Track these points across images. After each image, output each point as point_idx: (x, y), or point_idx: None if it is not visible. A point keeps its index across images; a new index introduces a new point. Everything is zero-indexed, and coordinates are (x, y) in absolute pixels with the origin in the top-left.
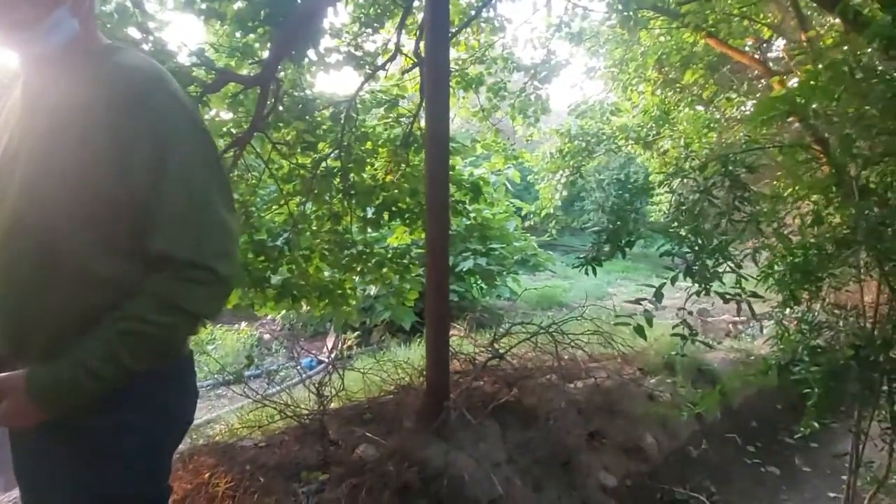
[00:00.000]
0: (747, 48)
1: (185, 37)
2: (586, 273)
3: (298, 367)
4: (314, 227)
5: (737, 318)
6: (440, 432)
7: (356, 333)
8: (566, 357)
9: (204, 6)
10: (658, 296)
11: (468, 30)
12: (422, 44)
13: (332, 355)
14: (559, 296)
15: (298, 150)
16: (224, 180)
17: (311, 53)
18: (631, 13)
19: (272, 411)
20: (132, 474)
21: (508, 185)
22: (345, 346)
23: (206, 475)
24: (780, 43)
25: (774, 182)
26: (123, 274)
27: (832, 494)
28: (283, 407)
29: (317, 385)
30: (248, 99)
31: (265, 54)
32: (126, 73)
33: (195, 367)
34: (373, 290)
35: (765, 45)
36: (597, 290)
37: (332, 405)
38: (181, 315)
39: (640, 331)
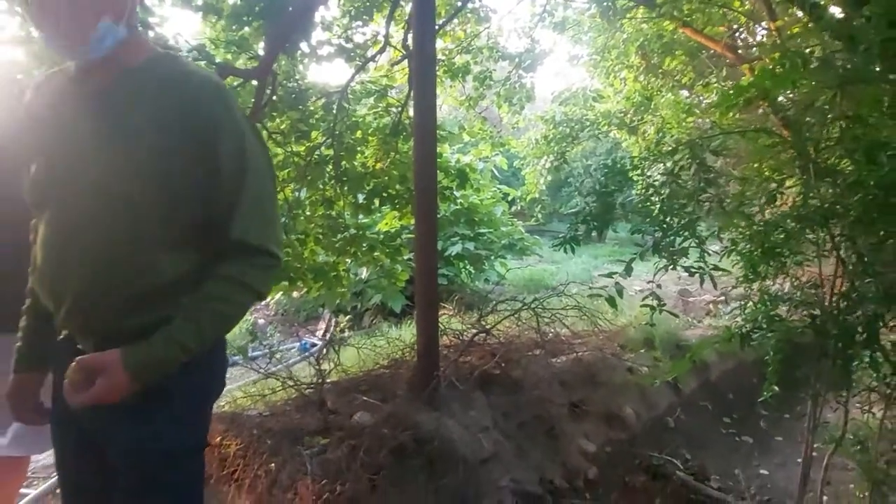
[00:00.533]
0: (723, 36)
1: (182, 31)
2: (565, 251)
3: (299, 346)
4: (308, 213)
5: (716, 298)
6: (431, 401)
7: (348, 317)
8: (550, 333)
9: (201, 2)
10: (628, 269)
11: (454, 20)
12: (410, 36)
13: (328, 336)
14: (546, 279)
15: (293, 138)
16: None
17: (303, 46)
18: (610, 3)
19: (274, 384)
20: (187, 430)
21: (495, 172)
22: (337, 329)
23: (218, 438)
24: (757, 30)
25: (742, 166)
26: (179, 264)
27: (800, 460)
28: (285, 379)
29: (316, 358)
30: (244, 91)
31: (259, 47)
32: (193, 78)
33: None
34: (364, 274)
35: (739, 32)
36: (583, 273)
37: (330, 378)
38: (252, 294)
39: (611, 301)
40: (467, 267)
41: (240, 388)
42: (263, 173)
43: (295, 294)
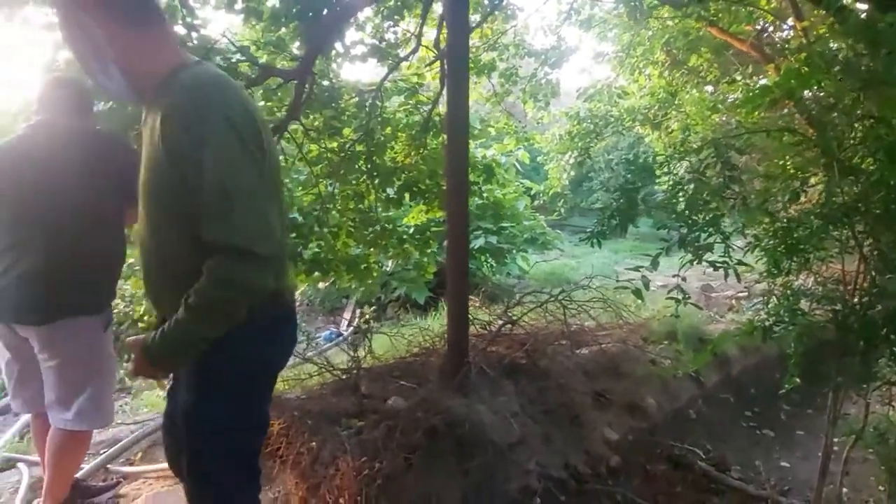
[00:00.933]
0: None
1: (224, 32)
2: (591, 245)
3: (325, 335)
4: (340, 206)
5: (738, 294)
6: (461, 387)
7: (373, 308)
8: (575, 325)
9: (243, 5)
10: (654, 263)
11: (480, 17)
12: (441, 35)
13: (352, 328)
14: (567, 273)
15: (326, 135)
16: (263, 172)
17: (338, 46)
18: (637, 2)
19: (310, 369)
20: (223, 406)
21: (518, 166)
22: (362, 319)
23: None
24: (784, 29)
25: (767, 163)
26: (195, 257)
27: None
28: (322, 365)
29: (352, 345)
30: (283, 90)
31: (294, 47)
32: (177, 93)
33: (287, 326)
34: (388, 266)
35: (768, 30)
36: (605, 267)
37: (364, 365)
38: (234, 288)
39: (637, 293)
40: (489, 260)
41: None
42: (226, 173)
43: (321, 285)
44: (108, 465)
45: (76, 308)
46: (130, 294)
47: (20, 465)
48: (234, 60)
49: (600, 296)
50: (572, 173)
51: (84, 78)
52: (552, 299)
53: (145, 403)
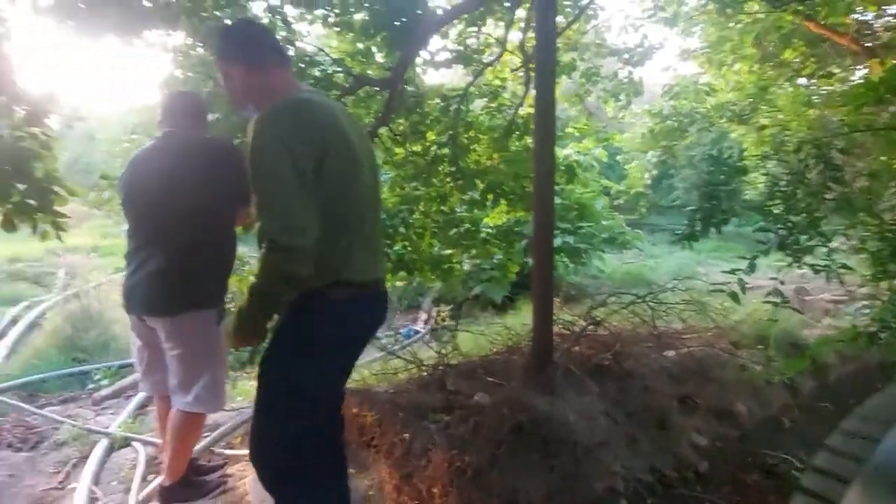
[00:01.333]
0: (850, 28)
1: (320, 46)
2: (683, 247)
3: (403, 332)
4: (424, 208)
5: (836, 297)
6: (545, 386)
7: (450, 306)
8: (661, 327)
9: (336, 19)
10: (751, 266)
11: (562, 19)
12: (525, 38)
13: (429, 325)
14: (646, 274)
15: (412, 138)
16: (304, 180)
17: (423, 53)
18: None
19: (397, 365)
20: (281, 370)
21: (595, 164)
22: (439, 318)
23: (354, 410)
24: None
25: (872, 161)
26: None
27: None
28: (411, 360)
29: (436, 342)
30: (372, 99)
31: (378, 55)
32: (260, 115)
33: (360, 313)
34: (467, 266)
35: (872, 20)
36: (685, 268)
37: (448, 361)
38: (271, 275)
39: (734, 296)
40: (564, 259)
41: (366, 367)
42: (267, 180)
43: (399, 283)
44: (212, 448)
45: (196, 302)
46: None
47: (135, 443)
48: (329, 72)
49: (687, 298)
50: (654, 172)
51: (200, 90)
52: (638, 300)
53: (238, 392)
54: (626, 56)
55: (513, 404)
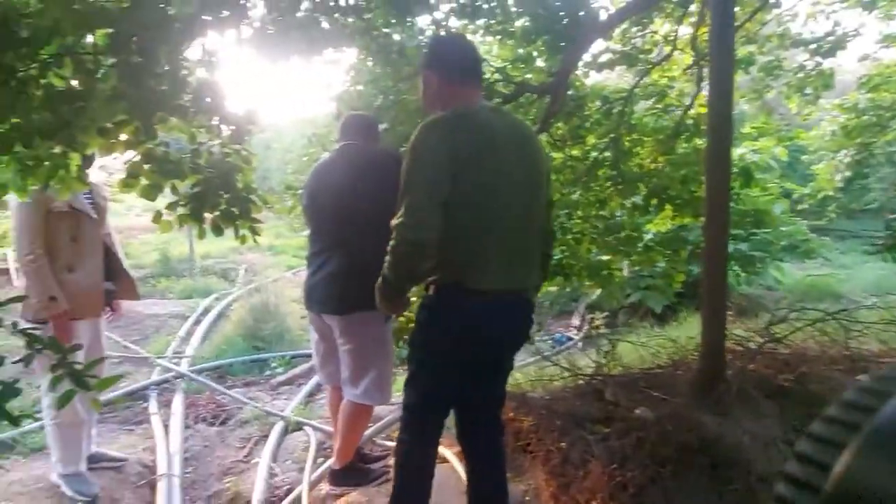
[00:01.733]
0: None
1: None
2: (884, 258)
3: (555, 338)
4: (583, 213)
5: None
6: (716, 405)
7: (604, 314)
8: (854, 349)
9: (499, 27)
10: None
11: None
12: (696, 33)
13: (582, 332)
14: (834, 286)
15: (570, 143)
16: (434, 188)
17: (584, 55)
18: None
19: (552, 371)
20: (412, 348)
21: (773, 164)
22: (592, 325)
23: (511, 414)
24: None
25: None
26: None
27: None
28: (567, 367)
29: (595, 350)
30: (530, 103)
31: (539, 60)
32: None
33: (476, 319)
34: (624, 272)
35: None
36: (885, 281)
37: (607, 372)
38: (395, 265)
39: None
40: (735, 268)
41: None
42: (406, 183)
43: (552, 288)
44: (374, 438)
45: (368, 303)
46: None
47: (307, 428)
48: (490, 80)
49: (888, 316)
50: (847, 173)
51: (371, 104)
52: (827, 317)
53: (398, 388)
54: (814, 46)
55: (679, 421)
